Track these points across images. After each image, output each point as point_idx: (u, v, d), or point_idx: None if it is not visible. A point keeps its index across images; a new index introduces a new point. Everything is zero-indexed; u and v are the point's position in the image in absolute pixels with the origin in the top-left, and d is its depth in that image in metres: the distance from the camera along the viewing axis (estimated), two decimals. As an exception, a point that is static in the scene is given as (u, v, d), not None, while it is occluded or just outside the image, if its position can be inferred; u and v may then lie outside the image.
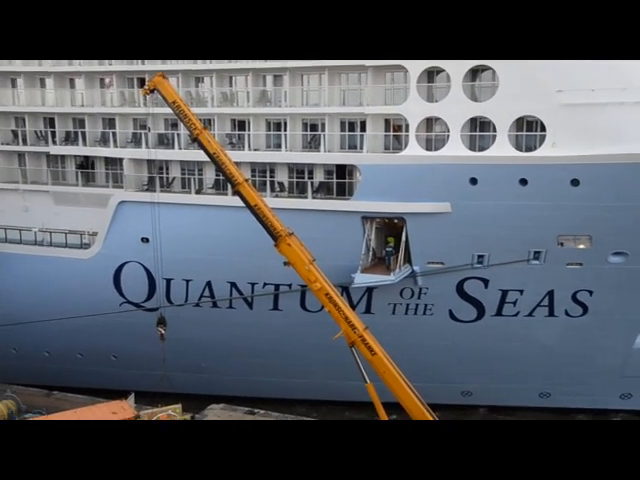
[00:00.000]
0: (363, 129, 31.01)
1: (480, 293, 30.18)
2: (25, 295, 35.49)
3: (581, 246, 28.21)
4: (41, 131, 37.84)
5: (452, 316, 31.06)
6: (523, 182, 27.36)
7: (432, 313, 31.11)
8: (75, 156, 36.94)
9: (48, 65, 36.84)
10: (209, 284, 32.88)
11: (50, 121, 37.61)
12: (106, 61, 35.61)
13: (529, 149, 27.93)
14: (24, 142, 37.87)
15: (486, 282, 29.80)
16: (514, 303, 30.26)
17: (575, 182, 26.70)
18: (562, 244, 28.32)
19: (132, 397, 29.44)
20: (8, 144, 38.39)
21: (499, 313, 30.52)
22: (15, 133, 38.35)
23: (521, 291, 29.89)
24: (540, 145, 27.55)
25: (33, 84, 37.97)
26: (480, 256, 29.21)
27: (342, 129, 31.87)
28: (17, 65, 37.45)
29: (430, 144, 29.54)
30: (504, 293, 30.11)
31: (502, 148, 27.92)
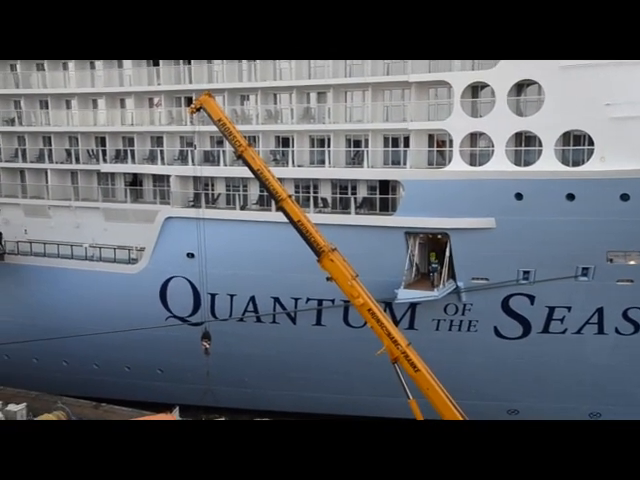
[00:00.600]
0: (407, 145, 30.88)
1: (526, 310, 29.55)
2: (75, 309, 36.02)
3: (632, 262, 27.47)
4: (93, 150, 38.49)
5: (497, 333, 30.44)
6: (570, 197, 26.81)
7: (477, 330, 30.56)
8: (124, 174, 37.57)
9: (100, 86, 37.69)
10: (253, 299, 32.92)
11: (101, 140, 38.31)
12: (155, 81, 36.35)
13: (576, 164, 27.40)
14: (77, 160, 38.61)
15: (532, 298, 29.18)
16: (561, 320, 29.53)
17: (625, 197, 26.07)
18: (611, 260, 27.63)
19: (177, 410, 29.56)
20: (62, 162, 39.22)
21: (546, 330, 29.81)
22: (68, 152, 39.14)
23: (569, 308, 29.17)
24: (588, 159, 27.02)
25: (86, 105, 38.78)
26: (526, 272, 28.66)
27: (385, 145, 31.80)
28: (71, 87, 38.40)
29: (474, 159, 29.28)
30: (551, 310, 29.43)
31: (548, 163, 27.49)
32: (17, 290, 38.34)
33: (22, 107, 40.43)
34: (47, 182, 39.48)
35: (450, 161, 29.31)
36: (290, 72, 33.04)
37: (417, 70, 30.00)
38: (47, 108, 39.64)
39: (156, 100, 37.24)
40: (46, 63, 38.82)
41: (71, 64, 38.46)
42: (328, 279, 25.33)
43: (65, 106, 39.45)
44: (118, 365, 37.27)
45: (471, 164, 29.12)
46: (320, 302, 31.64)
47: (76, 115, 38.88)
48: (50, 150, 39.58)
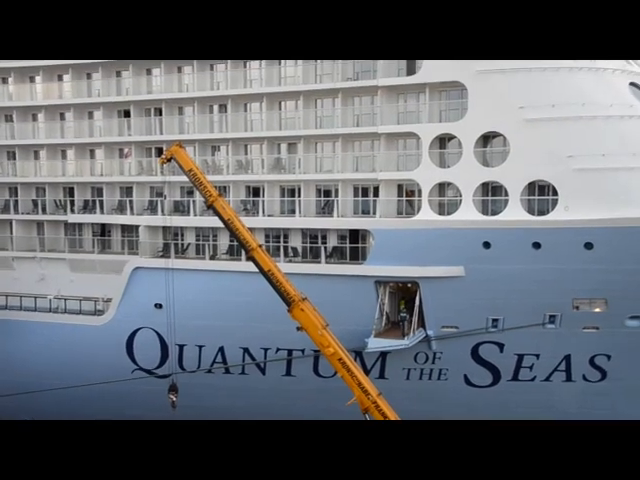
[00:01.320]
0: (376, 194, 31.13)
1: (495, 357, 29.52)
2: (39, 363, 35.12)
3: (597, 310, 27.65)
4: (60, 200, 38.25)
5: (467, 381, 30.31)
6: (536, 246, 27.14)
7: (447, 378, 30.41)
8: (92, 224, 37.28)
9: (70, 137, 37.63)
10: (222, 350, 32.49)
11: (69, 190, 38.13)
12: (125, 131, 36.42)
13: (541, 213, 27.80)
14: (43, 211, 38.36)
15: (501, 346, 29.20)
16: (530, 368, 29.52)
17: (589, 245, 26.45)
18: (577, 308, 27.80)
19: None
20: (28, 213, 38.83)
21: (515, 378, 29.76)
22: (35, 202, 38.88)
23: (537, 355, 29.21)
24: (552, 209, 27.45)
25: (55, 156, 38.59)
26: (495, 320, 28.74)
27: (355, 195, 32.05)
28: (41, 138, 38.36)
29: (443, 209, 29.57)
30: (520, 357, 29.44)
31: (514, 212, 27.87)
32: None
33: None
34: (12, 233, 38.98)
35: (419, 210, 29.58)
36: (261, 123, 33.35)
37: (386, 122, 30.51)
38: (14, 159, 39.36)
39: (126, 150, 37.24)
40: (15, 113, 38.75)
41: (40, 115, 38.49)
42: (298, 329, 25.19)
43: (33, 157, 39.22)
44: (84, 419, 36.32)
45: (440, 213, 29.38)
46: (290, 352, 31.31)
47: (44, 166, 38.67)
48: (16, 201, 39.11)
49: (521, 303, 27.84)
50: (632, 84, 28.71)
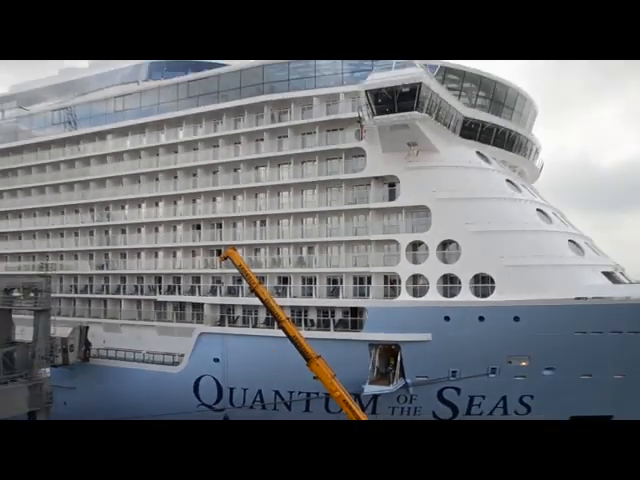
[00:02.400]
0: (369, 282, 31.16)
1: (454, 398, 28.83)
2: (135, 397, 34.81)
3: (523, 363, 27.15)
4: (152, 285, 38.94)
5: (435, 416, 29.50)
6: (481, 319, 27.04)
7: (420, 413, 29.65)
8: (173, 302, 37.65)
9: (161, 243, 38.67)
10: (260, 392, 32.06)
11: (158, 278, 38.79)
12: (197, 238, 37.26)
13: (484, 295, 27.78)
14: (141, 292, 39.05)
15: (458, 390, 28.56)
16: (479, 405, 28.75)
17: (516, 318, 26.36)
18: (510, 362, 27.29)
19: None
20: (132, 294, 39.57)
21: (469, 413, 28.96)
22: (136, 287, 39.62)
23: (483, 396, 28.51)
24: (492, 292, 27.53)
25: (150, 255, 39.42)
26: (454, 371, 28.23)
27: (355, 282, 31.96)
28: (142, 243, 39.41)
29: (416, 292, 29.51)
30: (471, 398, 28.71)
31: (466, 295, 27.92)
32: (97, 383, 37.57)
33: (109, 257, 41.37)
34: (121, 307, 39.70)
35: (399, 294, 29.62)
36: (289, 233, 33.83)
37: (376, 232, 31.04)
38: (124, 258, 40.56)
39: (198, 253, 37.83)
40: (127, 228, 40.18)
41: (143, 229, 39.74)
42: (314, 378, 25.16)
43: (137, 257, 40.18)
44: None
45: (414, 296, 29.34)
46: (308, 394, 30.89)
47: (143, 262, 39.58)
48: (124, 286, 40.06)
49: (472, 359, 27.44)
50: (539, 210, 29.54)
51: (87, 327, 38.75)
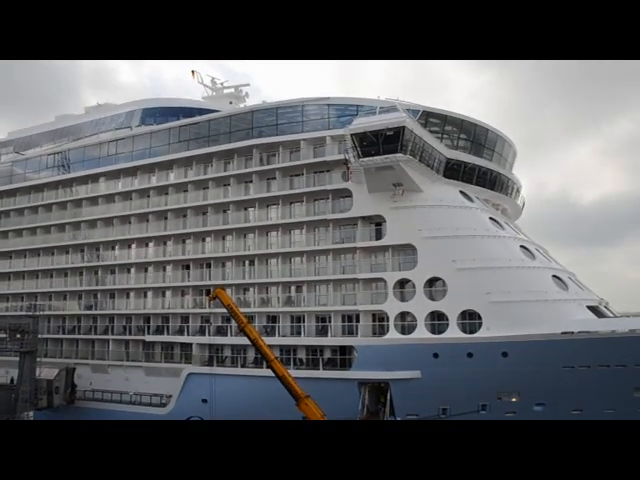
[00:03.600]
0: (357, 320, 30.59)
1: None
2: None
3: (514, 399, 26.41)
4: (140, 325, 38.08)
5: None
6: (469, 355, 26.49)
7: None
8: (161, 342, 36.81)
9: (150, 282, 38.03)
10: None
11: (147, 319, 37.97)
12: (186, 278, 36.73)
13: (472, 332, 27.29)
14: (129, 333, 38.15)
15: None
16: None
17: (505, 354, 25.84)
18: (500, 398, 26.52)
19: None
20: (120, 335, 38.63)
21: None
22: (124, 327, 38.76)
23: None
24: (479, 329, 27.05)
25: (139, 295, 38.85)
26: (444, 409, 27.34)
27: (343, 320, 31.44)
28: (131, 284, 38.71)
29: (404, 329, 28.97)
30: (462, 437, 27.82)
31: (453, 331, 27.40)
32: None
33: (98, 297, 40.57)
34: (108, 348, 38.69)
35: (388, 331, 29.05)
36: (277, 272, 33.46)
37: (363, 271, 30.77)
38: (113, 298, 39.78)
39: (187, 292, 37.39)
40: (117, 269, 39.53)
41: (132, 270, 39.09)
42: (304, 418, 24.29)
43: (126, 297, 39.52)
44: None
45: (402, 333, 28.78)
46: (298, 435, 29.89)
47: (132, 302, 38.92)
48: (113, 326, 39.16)
49: (461, 396, 26.64)
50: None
51: (74, 368, 37.73)
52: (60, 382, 36.07)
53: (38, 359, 33.63)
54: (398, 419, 28.05)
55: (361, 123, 28.58)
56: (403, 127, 27.46)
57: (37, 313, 36.05)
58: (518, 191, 36.31)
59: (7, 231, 46.09)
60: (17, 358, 33.42)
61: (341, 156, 30.79)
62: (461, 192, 30.77)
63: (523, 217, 38.61)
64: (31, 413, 31.56)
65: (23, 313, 39.29)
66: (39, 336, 34.43)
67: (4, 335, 34.23)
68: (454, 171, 31.32)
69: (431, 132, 30.58)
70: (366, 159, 28.44)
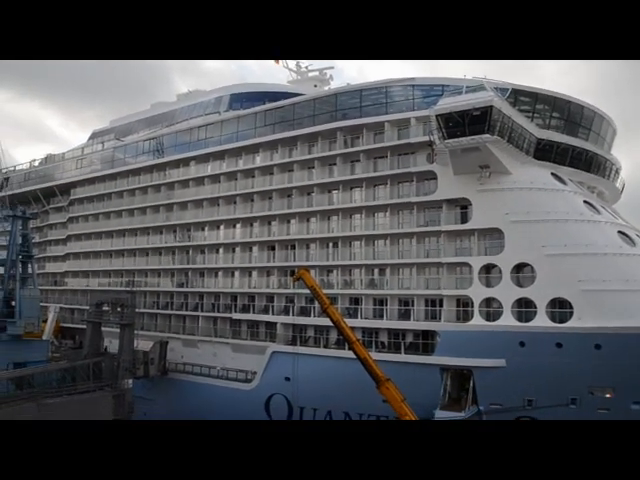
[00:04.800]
0: (441, 305, 30.30)
1: None
2: (207, 411, 34.68)
3: (607, 395, 25.22)
4: (228, 304, 39.68)
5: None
6: (559, 345, 25.48)
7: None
8: (247, 320, 38.14)
9: (237, 263, 39.38)
10: (330, 413, 31.63)
11: (234, 297, 39.46)
12: (271, 260, 37.70)
13: (562, 321, 26.16)
14: (218, 310, 39.92)
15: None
16: None
17: (598, 346, 24.63)
18: (592, 393, 25.42)
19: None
20: (209, 311, 40.50)
21: None
22: (213, 305, 40.59)
23: None
24: (570, 318, 25.89)
25: (227, 275, 40.32)
26: (530, 400, 26.65)
27: (426, 305, 31.18)
28: (219, 263, 40.38)
29: (490, 316, 28.30)
30: (549, 430, 26.92)
31: (542, 320, 26.40)
32: (175, 396, 38.59)
33: (189, 276, 42.71)
34: (198, 324, 40.70)
35: (472, 317, 28.54)
36: (361, 254, 33.62)
37: (448, 255, 30.29)
38: (203, 277, 41.75)
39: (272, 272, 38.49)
40: (206, 249, 41.16)
41: (221, 250, 40.66)
42: (384, 401, 24.56)
43: (214, 276, 41.24)
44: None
45: (487, 320, 28.15)
46: (378, 417, 30.07)
47: (220, 281, 40.59)
48: (202, 303, 41.18)
49: (549, 388, 25.79)
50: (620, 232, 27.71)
51: (167, 342, 40.11)
52: (155, 354, 38.61)
53: (135, 332, 36.21)
54: (481, 408, 27.65)
55: (447, 103, 27.85)
56: (490, 107, 26.49)
57: (134, 289, 38.78)
58: (617, 172, 33.99)
59: (109, 212, 49.66)
60: (118, 330, 36.15)
61: (426, 138, 30.24)
62: (553, 174, 29.31)
63: (622, 201, 36.13)
64: (130, 381, 34.15)
65: (122, 288, 42.49)
66: (136, 310, 37.03)
67: (107, 308, 37.19)
68: (545, 152, 29.85)
69: (521, 111, 29.23)
70: (451, 140, 27.77)
